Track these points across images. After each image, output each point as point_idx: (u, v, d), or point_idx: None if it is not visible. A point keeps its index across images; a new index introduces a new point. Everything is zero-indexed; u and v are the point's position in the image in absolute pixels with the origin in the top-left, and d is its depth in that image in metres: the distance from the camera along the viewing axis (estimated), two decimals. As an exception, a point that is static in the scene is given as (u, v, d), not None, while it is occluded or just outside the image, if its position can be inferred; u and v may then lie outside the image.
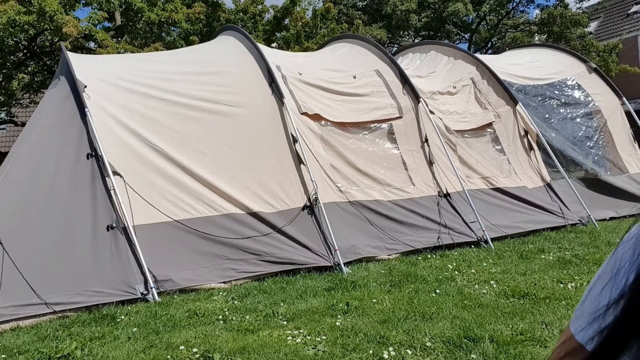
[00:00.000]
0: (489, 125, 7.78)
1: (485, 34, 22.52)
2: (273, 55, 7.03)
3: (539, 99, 8.60)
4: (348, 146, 6.51)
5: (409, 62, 8.94)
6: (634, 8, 24.46)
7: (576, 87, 8.97)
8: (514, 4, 21.59)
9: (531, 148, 7.84)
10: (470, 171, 7.26)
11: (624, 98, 9.09)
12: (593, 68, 9.34)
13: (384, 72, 7.28)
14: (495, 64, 8.65)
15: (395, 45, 23.16)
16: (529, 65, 9.30)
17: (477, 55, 8.80)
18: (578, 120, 8.68)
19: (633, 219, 6.27)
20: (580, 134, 8.59)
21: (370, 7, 22.06)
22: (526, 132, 7.87)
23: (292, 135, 6.01)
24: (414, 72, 8.30)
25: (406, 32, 23.12)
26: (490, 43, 22.27)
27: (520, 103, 7.94)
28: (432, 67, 8.50)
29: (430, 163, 6.88)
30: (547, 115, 8.47)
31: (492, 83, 8.08)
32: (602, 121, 8.79)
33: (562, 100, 8.74)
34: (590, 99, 8.91)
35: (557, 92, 8.80)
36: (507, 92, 7.98)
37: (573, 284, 4.60)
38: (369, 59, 7.58)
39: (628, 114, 9.24)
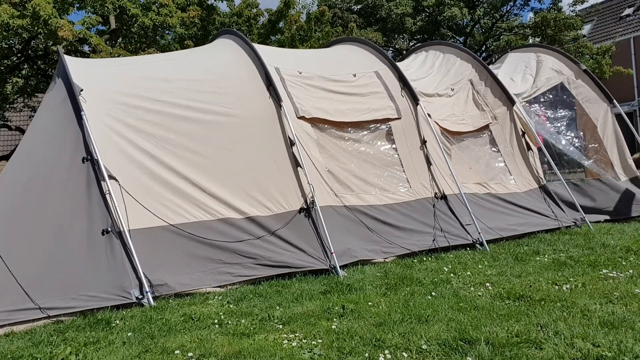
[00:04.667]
0: (486, 127, 7.80)
1: (479, 37, 22.58)
2: (272, 55, 7.02)
3: (532, 110, 8.64)
4: (345, 149, 6.51)
5: (421, 61, 8.86)
6: (627, 11, 24.67)
7: (566, 92, 8.98)
8: (508, 7, 21.67)
9: (529, 148, 7.87)
10: (467, 173, 7.28)
11: (614, 101, 9.11)
12: (583, 70, 9.33)
13: (383, 75, 7.30)
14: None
15: (390, 49, 23.21)
16: (520, 76, 9.29)
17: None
18: (570, 125, 8.71)
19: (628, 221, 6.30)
20: (569, 137, 8.62)
21: (365, 11, 22.07)
22: (523, 133, 7.90)
23: (289, 138, 6.01)
24: (415, 72, 8.32)
25: (401, 36, 23.16)
26: (484, 46, 22.35)
27: (517, 103, 7.98)
28: (435, 67, 8.52)
29: (428, 165, 6.90)
30: (540, 122, 8.51)
31: (489, 83, 8.13)
32: (592, 125, 8.83)
33: (550, 112, 8.76)
34: (581, 102, 8.92)
35: (553, 98, 8.82)
36: (505, 93, 8.01)
37: (568, 286, 4.62)
38: (368, 60, 7.62)
39: (619, 116, 9.28)
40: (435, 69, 8.45)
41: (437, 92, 7.82)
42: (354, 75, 7.13)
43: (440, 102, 7.72)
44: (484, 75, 8.18)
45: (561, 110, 8.78)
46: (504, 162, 7.72)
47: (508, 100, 8.02)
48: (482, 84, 8.12)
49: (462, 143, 7.54)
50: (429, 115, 7.08)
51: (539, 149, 7.95)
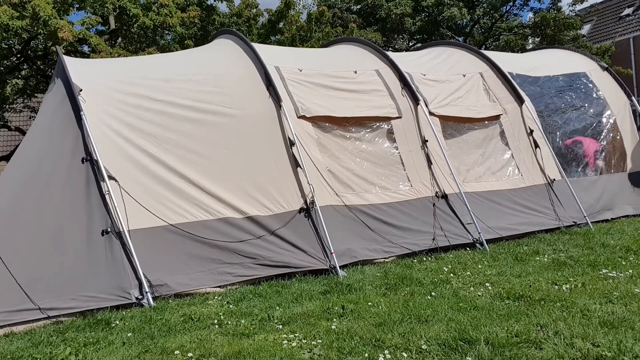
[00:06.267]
0: (497, 118, 7.79)
1: (479, 37, 22.58)
2: (272, 54, 7.01)
3: (554, 91, 8.68)
4: (346, 147, 6.50)
5: (428, 55, 8.94)
6: (626, 11, 24.65)
7: (590, 83, 9.09)
8: (508, 7, 21.68)
9: (536, 146, 7.86)
10: (469, 168, 7.27)
11: (633, 97, 9.22)
12: (605, 67, 9.47)
13: (383, 73, 7.30)
14: (506, 59, 8.85)
15: (390, 49, 23.21)
16: (543, 62, 9.46)
17: (486, 52, 8.89)
18: (590, 114, 8.76)
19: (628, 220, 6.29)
20: (590, 129, 8.67)
21: (365, 11, 22.07)
22: (531, 131, 7.89)
23: (289, 138, 6.01)
24: (421, 58, 8.35)
25: (400, 36, 23.16)
26: (484, 46, 22.35)
27: (526, 102, 7.98)
28: (442, 58, 8.54)
29: (428, 164, 6.89)
30: (562, 106, 8.55)
31: (499, 80, 8.17)
32: (613, 118, 8.89)
33: (575, 95, 8.83)
34: (602, 95, 9.01)
35: (572, 85, 8.91)
36: (514, 91, 8.03)
37: (568, 286, 4.61)
38: (368, 59, 7.62)
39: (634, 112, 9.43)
40: (443, 59, 8.46)
41: (448, 79, 7.80)
42: (355, 72, 7.14)
43: (451, 87, 7.69)
44: (494, 72, 8.20)
45: (583, 101, 8.83)
46: (512, 155, 7.70)
47: (517, 98, 8.02)
48: (491, 79, 8.13)
49: (471, 133, 7.52)
50: (431, 113, 7.07)
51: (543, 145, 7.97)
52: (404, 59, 7.97)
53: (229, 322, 4.10)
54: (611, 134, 8.79)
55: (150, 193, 5.26)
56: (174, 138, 5.59)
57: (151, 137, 5.49)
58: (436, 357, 3.24)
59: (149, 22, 11.81)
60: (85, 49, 13.17)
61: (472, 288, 4.74)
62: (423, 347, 3.38)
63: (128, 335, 3.91)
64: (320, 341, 3.57)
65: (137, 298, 4.73)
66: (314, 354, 3.38)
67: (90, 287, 4.64)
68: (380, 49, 7.84)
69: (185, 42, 13.23)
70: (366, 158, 6.58)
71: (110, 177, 5.09)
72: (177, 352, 3.52)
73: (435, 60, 8.37)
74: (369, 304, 4.36)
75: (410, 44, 23.25)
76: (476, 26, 22.75)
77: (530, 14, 28.89)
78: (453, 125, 7.41)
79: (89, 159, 5.12)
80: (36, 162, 5.07)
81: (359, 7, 22.30)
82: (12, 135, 20.12)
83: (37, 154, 5.14)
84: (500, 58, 8.86)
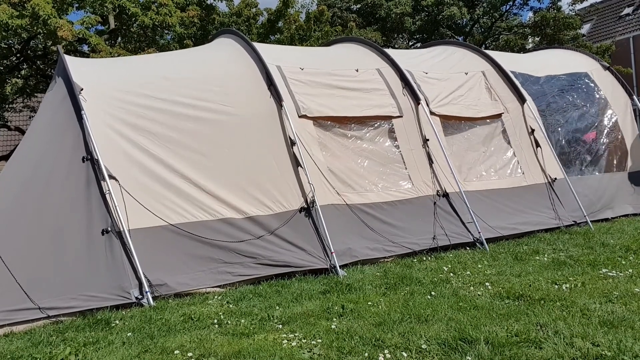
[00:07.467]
0: (499, 116, 7.80)
1: (479, 36, 22.57)
2: (274, 53, 7.01)
3: (556, 90, 8.69)
4: (347, 146, 6.50)
5: (430, 53, 8.95)
6: (626, 10, 24.65)
7: (592, 82, 9.11)
8: (508, 7, 21.67)
9: (537, 145, 7.86)
10: (471, 166, 7.27)
11: (634, 96, 9.23)
12: (606, 67, 9.48)
13: (385, 72, 7.30)
14: (508, 59, 8.89)
15: (390, 48, 23.17)
16: (545, 61, 9.48)
17: (488, 51, 8.90)
18: (591, 113, 8.77)
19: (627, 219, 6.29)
20: (592, 128, 8.68)
21: (364, 10, 22.05)
22: (533, 130, 7.90)
23: (290, 138, 6.01)
24: (423, 56, 8.37)
25: (400, 35, 23.15)
26: (484, 45, 22.33)
27: (527, 102, 7.98)
28: (444, 55, 8.56)
29: (429, 163, 6.89)
30: (564, 105, 8.55)
31: (502, 79, 8.19)
32: (614, 118, 8.90)
33: (577, 95, 8.83)
34: (603, 95, 9.02)
35: (573, 85, 8.92)
36: (516, 90, 8.05)
37: (567, 285, 4.62)
38: (369, 58, 7.62)
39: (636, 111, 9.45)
40: (445, 57, 8.47)
41: (450, 77, 7.81)
42: (357, 71, 7.14)
43: (453, 84, 7.70)
44: (495, 70, 8.22)
45: (585, 100, 8.82)
46: (513, 154, 7.70)
47: (519, 97, 8.02)
48: (493, 77, 8.15)
49: (473, 131, 7.52)
50: (432, 112, 7.08)
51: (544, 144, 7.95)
52: (406, 57, 7.98)
53: (229, 322, 4.10)
54: (613, 134, 8.80)
55: (150, 193, 5.26)
56: (174, 138, 5.59)
57: (152, 137, 5.49)
58: (436, 357, 3.25)
59: (149, 22, 11.79)
60: (85, 48, 13.17)
61: (472, 287, 4.74)
62: (423, 346, 3.38)
63: (128, 335, 3.91)
64: (320, 341, 3.57)
65: (137, 298, 4.73)
66: (313, 353, 3.38)
67: (90, 287, 4.64)
68: (380, 48, 7.84)
69: (185, 41, 13.22)
70: (367, 157, 6.59)
71: (111, 177, 5.08)
72: (177, 351, 3.52)
73: (437, 59, 8.38)
74: (369, 303, 4.36)
75: (410, 43, 23.24)
76: (476, 26, 22.75)
77: (530, 14, 28.86)
78: (454, 124, 7.42)
79: (90, 158, 5.12)
80: (36, 161, 5.07)
81: (358, 6, 22.29)
82: (12, 135, 20.11)
83: (37, 153, 5.14)
84: (503, 57, 8.89)
